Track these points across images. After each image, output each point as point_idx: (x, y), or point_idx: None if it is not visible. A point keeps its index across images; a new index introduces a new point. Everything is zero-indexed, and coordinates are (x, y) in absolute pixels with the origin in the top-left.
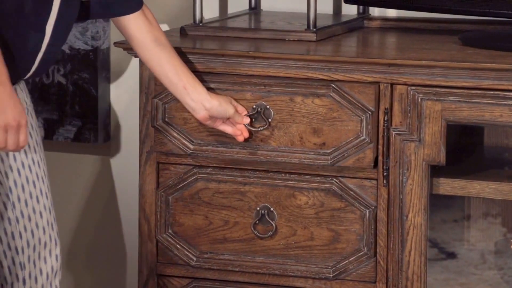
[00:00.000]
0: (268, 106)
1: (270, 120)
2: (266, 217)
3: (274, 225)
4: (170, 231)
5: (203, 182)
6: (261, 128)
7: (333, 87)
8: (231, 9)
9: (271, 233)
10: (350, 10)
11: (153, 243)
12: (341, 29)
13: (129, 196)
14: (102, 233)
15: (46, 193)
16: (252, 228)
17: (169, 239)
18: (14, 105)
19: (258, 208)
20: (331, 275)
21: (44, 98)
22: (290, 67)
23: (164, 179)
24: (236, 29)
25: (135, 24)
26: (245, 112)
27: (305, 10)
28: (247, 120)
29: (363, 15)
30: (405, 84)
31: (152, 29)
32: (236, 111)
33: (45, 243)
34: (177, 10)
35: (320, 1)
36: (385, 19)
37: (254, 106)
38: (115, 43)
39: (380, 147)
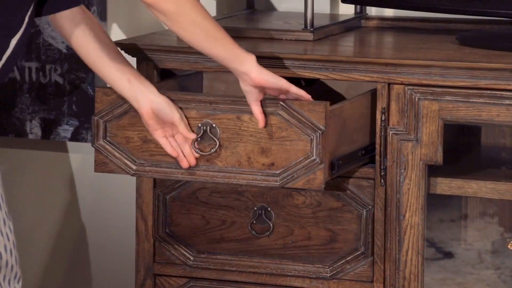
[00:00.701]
0: (214, 125)
1: (217, 138)
2: (263, 216)
3: (271, 224)
4: (167, 230)
5: (200, 181)
6: (212, 150)
7: (281, 105)
8: (228, 9)
9: (268, 232)
10: (347, 10)
11: (150, 243)
12: (338, 28)
13: (126, 195)
14: (98, 233)
15: None
16: (249, 228)
17: (166, 238)
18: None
19: (255, 208)
20: (328, 275)
21: (41, 97)
22: (287, 67)
23: (161, 179)
24: (233, 29)
25: (74, 21)
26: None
27: (302, 10)
28: (193, 135)
29: (360, 15)
30: (402, 83)
31: (92, 26)
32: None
33: (0, 254)
34: None
35: (317, 1)
36: (382, 18)
37: (200, 125)
38: None
39: (377, 146)
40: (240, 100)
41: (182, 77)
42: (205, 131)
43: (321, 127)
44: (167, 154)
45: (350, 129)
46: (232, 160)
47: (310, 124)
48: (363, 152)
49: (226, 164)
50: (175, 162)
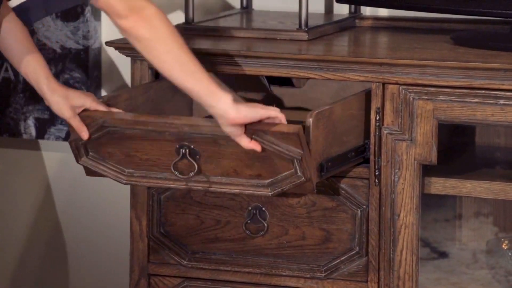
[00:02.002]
0: (192, 146)
1: (197, 158)
2: (258, 216)
3: (265, 224)
4: (161, 230)
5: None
6: (191, 174)
7: (254, 138)
8: (223, 8)
9: (262, 232)
10: (341, 10)
11: (145, 243)
12: (332, 28)
13: (121, 195)
14: (93, 232)
15: None
16: (243, 228)
17: (161, 238)
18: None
19: (249, 208)
20: (323, 275)
21: (36, 97)
22: (281, 67)
23: None
24: (228, 29)
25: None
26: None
27: (296, 9)
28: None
29: (355, 15)
30: (396, 83)
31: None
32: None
33: None
34: (169, 9)
35: (311, 1)
36: (377, 18)
37: (178, 146)
38: (106, 43)
39: (371, 146)
40: (216, 125)
41: None
42: (184, 154)
43: (299, 152)
44: (154, 165)
45: (340, 130)
46: (218, 172)
47: (287, 151)
48: (353, 153)
49: (215, 174)
50: (166, 171)
